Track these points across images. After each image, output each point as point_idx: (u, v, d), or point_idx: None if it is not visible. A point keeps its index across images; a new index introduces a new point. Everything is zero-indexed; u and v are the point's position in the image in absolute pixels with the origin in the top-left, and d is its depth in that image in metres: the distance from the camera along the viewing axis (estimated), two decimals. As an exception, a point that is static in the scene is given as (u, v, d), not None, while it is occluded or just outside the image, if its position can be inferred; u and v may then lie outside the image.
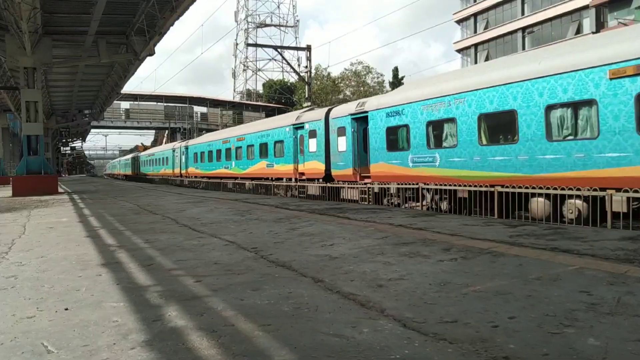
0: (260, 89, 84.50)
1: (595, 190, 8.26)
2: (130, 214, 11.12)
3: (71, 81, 33.66)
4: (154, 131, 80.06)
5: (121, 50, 24.66)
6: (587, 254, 4.89)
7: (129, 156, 69.00)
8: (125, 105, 67.46)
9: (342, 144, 16.02)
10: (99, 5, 18.73)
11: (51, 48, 21.53)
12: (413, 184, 12.55)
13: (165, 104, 69.91)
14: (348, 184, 15.49)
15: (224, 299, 3.72)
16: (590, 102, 8.77)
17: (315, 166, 17.59)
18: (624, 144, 8.25)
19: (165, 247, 6.25)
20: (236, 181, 24.52)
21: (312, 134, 17.78)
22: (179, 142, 39.45)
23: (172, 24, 21.66)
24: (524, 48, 41.46)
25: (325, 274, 4.45)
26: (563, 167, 9.19)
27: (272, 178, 20.85)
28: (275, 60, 78.95)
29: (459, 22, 50.52)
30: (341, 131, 16.06)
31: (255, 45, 77.78)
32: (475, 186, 10.58)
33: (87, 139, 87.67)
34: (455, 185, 11.26)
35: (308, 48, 28.33)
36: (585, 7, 36.61)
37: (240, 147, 24.62)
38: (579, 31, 37.27)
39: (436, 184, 11.75)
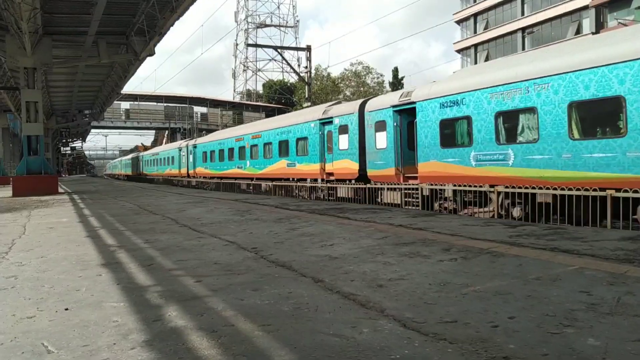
0: (260, 89, 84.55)
1: None
2: (131, 214, 11.12)
3: (71, 81, 33.67)
4: (154, 131, 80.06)
5: (121, 50, 24.67)
6: (587, 254, 4.89)
7: (131, 156, 66.88)
8: (125, 105, 67.49)
9: (381, 140, 14.12)
10: (99, 5, 18.73)
11: (51, 48, 21.54)
12: (477, 186, 10.61)
13: (165, 104, 69.93)
14: (388, 185, 13.58)
15: (224, 299, 3.72)
16: None
17: (346, 165, 15.76)
18: None
19: (165, 247, 6.25)
20: (251, 182, 22.58)
21: (343, 129, 15.92)
22: (186, 141, 37.38)
23: (172, 24, 21.68)
24: (523, 48, 41.48)
25: (325, 274, 4.45)
26: None
27: (293, 179, 18.93)
28: (275, 60, 79.09)
29: (459, 22, 50.54)
30: (380, 125, 14.13)
31: (255, 45, 77.79)
32: (571, 189, 8.56)
33: (87, 139, 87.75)
34: (539, 187, 9.29)
35: (308, 48, 28.34)
36: (585, 8, 36.62)
37: (256, 145, 22.55)
38: (578, 31, 37.29)
39: (507, 186, 9.90)
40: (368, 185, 14.35)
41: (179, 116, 69.24)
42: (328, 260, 5.09)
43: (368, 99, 15.68)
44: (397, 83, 53.87)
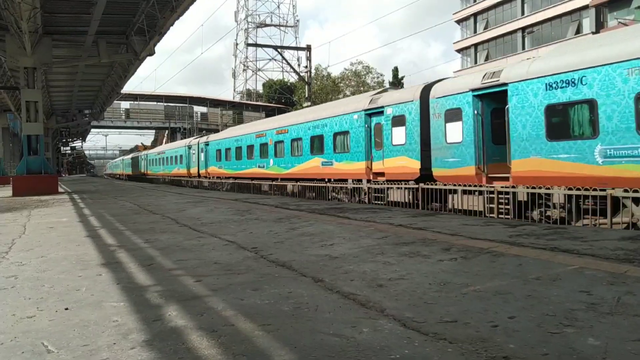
0: (260, 89, 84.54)
1: None
2: (131, 214, 11.12)
3: (71, 81, 33.67)
4: (154, 131, 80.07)
5: (121, 50, 24.67)
6: (587, 254, 4.89)
7: (134, 155, 63.74)
8: (125, 105, 67.48)
9: (453, 132, 11.64)
10: (99, 5, 18.74)
11: (51, 48, 21.55)
12: (604, 190, 8.17)
13: (165, 104, 69.91)
14: (464, 186, 10.94)
15: (224, 298, 3.72)
16: None
17: (402, 164, 13.26)
18: None
19: (165, 247, 6.25)
20: (275, 183, 19.92)
21: (398, 120, 13.45)
22: (196, 138, 34.22)
23: (172, 24, 21.68)
24: (523, 48, 41.51)
25: (325, 274, 4.45)
26: None
27: (329, 179, 16.50)
28: (275, 60, 79.01)
29: (459, 22, 50.54)
30: (453, 115, 11.67)
31: (255, 45, 77.80)
32: None
33: (87, 139, 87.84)
34: None
35: (308, 48, 28.34)
36: (585, 7, 36.62)
37: (282, 141, 19.92)
38: (578, 31, 37.28)
39: None
40: (434, 186, 11.69)
41: (179, 116, 69.23)
42: (328, 260, 5.09)
43: (433, 83, 12.98)
44: (397, 83, 53.87)
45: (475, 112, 11.10)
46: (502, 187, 10.19)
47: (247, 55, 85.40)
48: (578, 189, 8.55)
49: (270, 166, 21.08)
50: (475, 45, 47.94)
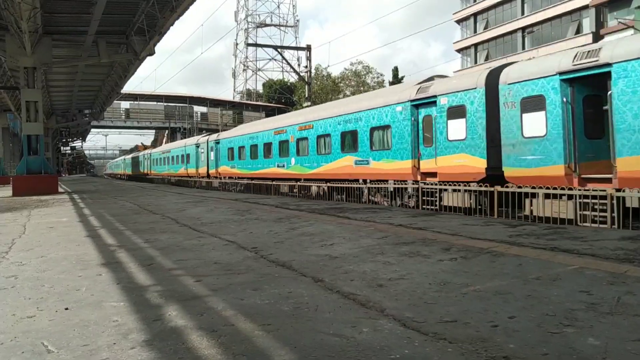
0: (260, 88, 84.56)
1: None
2: (131, 214, 11.12)
3: (71, 81, 33.68)
4: (154, 131, 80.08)
5: (121, 50, 24.67)
6: (587, 254, 4.89)
7: (137, 154, 60.93)
8: (125, 105, 67.48)
9: (533, 124, 9.89)
10: (99, 5, 18.74)
11: (51, 48, 21.55)
12: None
13: (165, 104, 69.90)
14: (546, 189, 9.12)
15: (224, 298, 3.72)
16: None
17: (462, 162, 11.35)
18: None
19: (165, 247, 6.25)
20: (297, 183, 18.14)
21: (456, 111, 11.54)
22: (205, 136, 32.07)
23: (172, 24, 21.68)
24: (523, 48, 41.52)
25: (325, 274, 4.45)
26: None
27: (365, 180, 14.64)
28: (275, 60, 79.02)
29: (458, 22, 50.56)
30: (532, 103, 9.94)
31: (255, 45, 77.83)
32: None
33: (87, 139, 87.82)
34: None
35: (308, 48, 28.33)
36: (585, 7, 36.63)
37: (305, 138, 17.99)
38: (578, 31, 37.30)
39: None
40: (509, 189, 9.68)
41: (179, 116, 69.22)
42: (328, 260, 5.09)
43: (501, 67, 11.21)
44: (397, 83, 53.88)
45: (564, 99, 9.31)
46: (599, 189, 8.38)
47: (247, 55, 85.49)
48: None
49: (291, 166, 19.05)
50: (475, 45, 47.95)
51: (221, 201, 14.48)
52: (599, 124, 9.24)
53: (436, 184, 11.87)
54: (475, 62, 47.03)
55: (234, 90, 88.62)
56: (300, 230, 7.42)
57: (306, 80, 29.03)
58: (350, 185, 14.95)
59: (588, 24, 36.78)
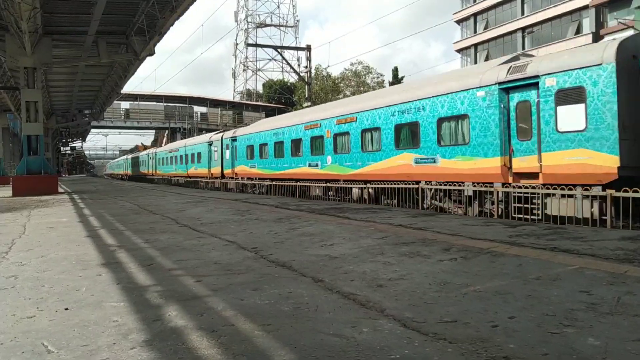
0: (260, 89, 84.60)
1: None
2: (131, 214, 11.12)
3: (71, 81, 33.69)
4: (154, 131, 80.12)
5: (121, 50, 24.68)
6: (587, 254, 4.89)
7: (141, 153, 57.24)
8: (125, 105, 67.52)
9: None
10: (99, 5, 18.74)
11: (51, 48, 21.56)
12: None
13: (165, 104, 69.94)
14: None
15: (224, 298, 3.72)
16: None
17: (579, 159, 9.03)
18: None
19: (165, 247, 6.25)
20: (334, 185, 15.94)
21: (570, 95, 9.24)
22: (217, 133, 29.85)
23: (172, 24, 21.69)
24: (523, 48, 41.49)
25: (325, 274, 4.45)
26: None
27: (427, 182, 12.24)
28: (275, 60, 79.08)
29: (459, 22, 50.56)
30: None
31: (255, 45, 77.84)
32: None
33: (87, 139, 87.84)
34: None
35: (308, 48, 28.33)
36: (585, 7, 36.63)
37: (346, 133, 15.53)
38: (578, 31, 37.31)
39: None
40: None
41: (179, 116, 69.25)
42: (328, 260, 5.09)
43: (635, 36, 9.45)
44: (397, 83, 53.91)
45: None
46: None
47: (247, 56, 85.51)
48: None
49: (327, 165, 16.51)
50: (475, 45, 47.95)
51: (221, 201, 14.48)
52: None
53: (537, 188, 9.48)
54: (476, 62, 47.02)
55: (234, 90, 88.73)
56: (300, 231, 7.42)
57: (306, 80, 29.03)
58: (407, 186, 12.46)
59: (588, 24, 36.79)
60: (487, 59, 44.95)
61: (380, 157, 13.95)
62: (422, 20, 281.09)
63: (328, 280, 4.23)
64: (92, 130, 77.96)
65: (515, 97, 10.34)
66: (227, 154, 25.99)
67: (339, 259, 5.16)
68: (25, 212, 12.42)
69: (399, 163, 13.22)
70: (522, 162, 10.10)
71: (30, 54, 20.25)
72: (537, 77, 9.80)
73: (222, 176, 26.50)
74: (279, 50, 35.79)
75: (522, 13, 42.90)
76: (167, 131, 66.92)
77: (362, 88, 52.74)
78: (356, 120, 15.15)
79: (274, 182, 19.63)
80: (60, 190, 23.04)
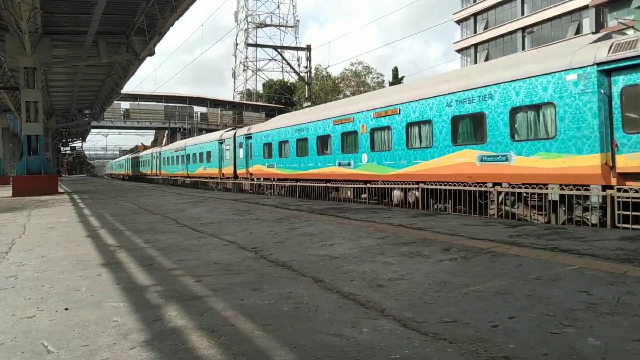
0: (260, 89, 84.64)
1: None
2: (131, 214, 11.12)
3: (71, 81, 33.70)
4: (154, 131, 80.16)
5: (121, 50, 24.68)
6: (587, 254, 4.89)
7: (144, 152, 54.92)
8: (125, 105, 67.58)
9: None
10: (99, 5, 18.74)
11: (51, 48, 21.57)
12: None
13: (165, 104, 70.00)
14: None
15: (224, 298, 3.72)
16: None
17: None
18: None
19: (165, 247, 6.25)
20: (374, 186, 13.93)
21: None
22: (229, 130, 27.96)
23: (172, 24, 21.69)
24: (523, 48, 41.51)
25: (325, 274, 4.45)
26: None
27: (497, 183, 10.32)
28: (275, 60, 79.15)
29: (459, 22, 50.58)
30: None
31: (255, 45, 77.87)
32: None
33: (87, 139, 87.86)
34: None
35: (308, 48, 28.34)
36: (585, 7, 36.65)
37: (386, 127, 13.68)
38: (578, 31, 37.30)
39: None
40: None
41: (179, 116, 69.29)
42: (328, 260, 5.09)
43: None
44: (397, 83, 53.92)
45: None
46: None
47: (247, 56, 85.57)
48: None
49: (361, 164, 14.76)
50: (475, 45, 47.97)
51: (221, 201, 14.48)
52: None
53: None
54: (476, 62, 47.04)
55: (234, 90, 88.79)
56: (300, 231, 7.42)
57: (306, 80, 29.03)
58: (471, 189, 10.50)
59: (588, 24, 36.79)
60: (487, 59, 44.99)
61: (432, 155, 12.06)
62: (422, 20, 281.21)
63: (328, 280, 4.23)
64: (92, 130, 78.03)
65: (621, 81, 8.54)
66: (241, 152, 24.21)
67: (339, 259, 5.16)
68: (25, 212, 12.42)
69: (457, 161, 11.32)
70: (631, 160, 8.27)
71: (30, 54, 20.26)
72: None
73: (235, 176, 24.91)
74: (279, 50, 35.79)
75: (522, 13, 42.92)
76: (167, 131, 66.96)
77: (362, 88, 52.75)
78: (399, 113, 13.28)
79: (298, 183, 17.89)
80: (60, 190, 23.04)
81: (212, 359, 2.57)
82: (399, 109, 13.30)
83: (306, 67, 28.45)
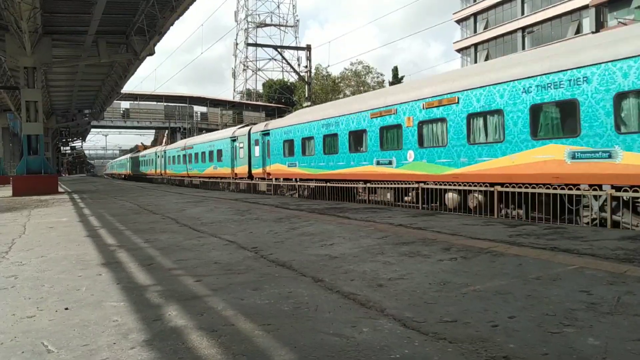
0: (260, 88, 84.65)
1: None
2: (130, 214, 11.12)
3: (71, 81, 33.69)
4: (154, 131, 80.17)
5: (121, 50, 24.68)
6: (586, 254, 4.89)
7: (147, 151, 52.38)
8: (125, 105, 67.57)
9: None
10: (99, 5, 18.74)
11: (51, 48, 21.57)
12: None
13: (165, 104, 70.00)
14: None
15: (224, 298, 3.72)
16: None
17: None
18: None
19: (165, 247, 6.25)
20: (410, 187, 12.37)
21: None
22: (241, 127, 25.64)
23: (172, 24, 21.69)
24: (523, 48, 41.50)
25: (325, 274, 4.45)
26: None
27: (597, 187, 8.35)
28: (275, 60, 79.09)
29: (458, 22, 50.55)
30: None
31: (255, 45, 77.94)
32: None
33: (87, 139, 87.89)
34: None
35: (308, 48, 28.32)
36: (585, 7, 36.62)
37: (440, 119, 11.71)
38: (578, 31, 37.28)
39: None
40: None
41: (178, 115, 69.28)
42: (328, 260, 5.09)
43: None
44: (397, 82, 53.90)
45: None
46: None
47: (247, 55, 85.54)
48: None
49: (407, 162, 12.79)
50: (475, 45, 47.94)
51: (221, 201, 14.48)
52: None
53: None
54: (476, 61, 47.02)
55: (234, 90, 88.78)
56: (300, 230, 7.42)
57: (306, 80, 29.02)
58: (561, 192, 8.58)
59: (588, 24, 36.78)
60: (487, 59, 44.97)
61: (503, 151, 10.15)
62: (422, 20, 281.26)
63: (328, 280, 4.23)
64: (92, 130, 78.04)
65: None
66: (257, 150, 22.12)
67: (339, 258, 5.16)
68: (25, 211, 12.42)
69: (539, 159, 9.40)
70: None
71: (30, 54, 20.25)
72: None
73: (250, 176, 22.85)
74: (279, 50, 35.74)
75: (522, 13, 42.90)
76: (167, 131, 66.94)
77: (362, 88, 52.74)
78: (458, 102, 11.30)
79: (327, 184, 15.93)
80: (60, 190, 23.04)
81: (212, 358, 2.57)
82: (458, 98, 11.30)
83: (306, 66, 28.44)
